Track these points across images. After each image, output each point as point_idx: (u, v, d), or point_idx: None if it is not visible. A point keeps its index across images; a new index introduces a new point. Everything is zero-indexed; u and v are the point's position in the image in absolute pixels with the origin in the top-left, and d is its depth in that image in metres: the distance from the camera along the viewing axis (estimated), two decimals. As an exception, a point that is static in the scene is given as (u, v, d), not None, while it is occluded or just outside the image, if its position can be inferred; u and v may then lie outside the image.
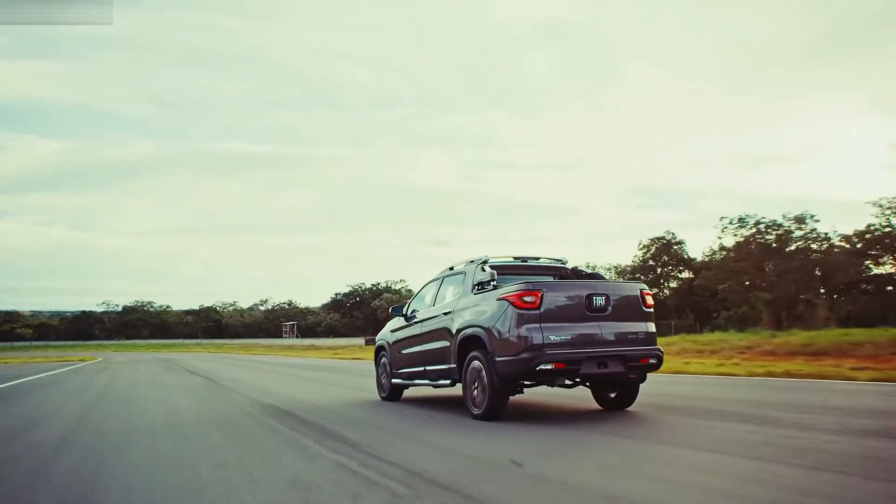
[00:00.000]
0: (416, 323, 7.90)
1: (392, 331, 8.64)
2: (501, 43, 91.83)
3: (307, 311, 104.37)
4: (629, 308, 6.25)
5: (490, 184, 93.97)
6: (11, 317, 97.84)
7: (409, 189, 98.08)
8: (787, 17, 73.85)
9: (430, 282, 8.12)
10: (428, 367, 7.42)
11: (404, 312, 8.37)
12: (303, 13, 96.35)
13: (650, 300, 6.41)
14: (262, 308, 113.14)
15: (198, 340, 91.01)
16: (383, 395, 8.74)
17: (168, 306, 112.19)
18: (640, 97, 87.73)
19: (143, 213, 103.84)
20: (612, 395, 6.79)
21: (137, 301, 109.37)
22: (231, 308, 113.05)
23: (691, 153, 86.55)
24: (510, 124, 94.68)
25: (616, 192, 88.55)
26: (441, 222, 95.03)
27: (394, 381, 8.40)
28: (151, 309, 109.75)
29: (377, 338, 9.28)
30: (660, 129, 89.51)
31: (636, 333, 6.18)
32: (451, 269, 7.62)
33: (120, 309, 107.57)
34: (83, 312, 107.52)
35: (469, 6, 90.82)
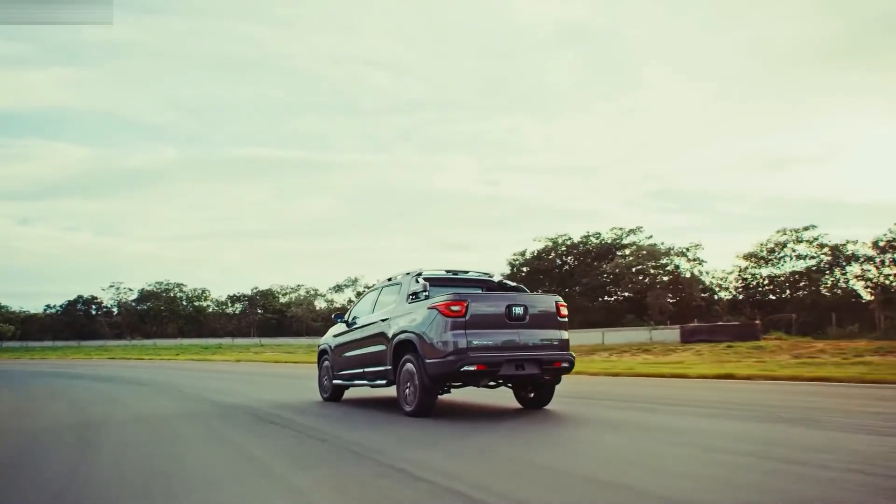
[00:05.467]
0: (356, 328, 8.49)
1: (334, 336, 9.20)
2: (522, 47, 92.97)
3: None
4: (545, 318, 7.06)
5: (510, 187, 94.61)
6: (-7, 311, 72.60)
7: (429, 193, 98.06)
8: (809, 19, 76.20)
9: (370, 291, 8.74)
10: (367, 369, 8.04)
11: (346, 319, 8.96)
12: (325, 20, 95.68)
13: (564, 311, 7.24)
14: (348, 291, 69.30)
15: (257, 340, 59.04)
16: (325, 395, 9.28)
17: (205, 290, 75.51)
18: (659, 100, 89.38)
19: (166, 219, 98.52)
20: (531, 396, 7.60)
21: (160, 283, 73.66)
22: (299, 294, 72.95)
23: (711, 155, 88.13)
24: (530, 128, 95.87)
25: (635, 195, 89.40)
26: (461, 226, 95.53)
27: (335, 381, 8.96)
28: (181, 294, 74.84)
29: (320, 342, 9.79)
30: (679, 131, 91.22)
31: (551, 340, 7.00)
32: (390, 279, 8.25)
33: (136, 295, 73.63)
34: (79, 298, 74.04)
35: (490, 11, 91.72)
